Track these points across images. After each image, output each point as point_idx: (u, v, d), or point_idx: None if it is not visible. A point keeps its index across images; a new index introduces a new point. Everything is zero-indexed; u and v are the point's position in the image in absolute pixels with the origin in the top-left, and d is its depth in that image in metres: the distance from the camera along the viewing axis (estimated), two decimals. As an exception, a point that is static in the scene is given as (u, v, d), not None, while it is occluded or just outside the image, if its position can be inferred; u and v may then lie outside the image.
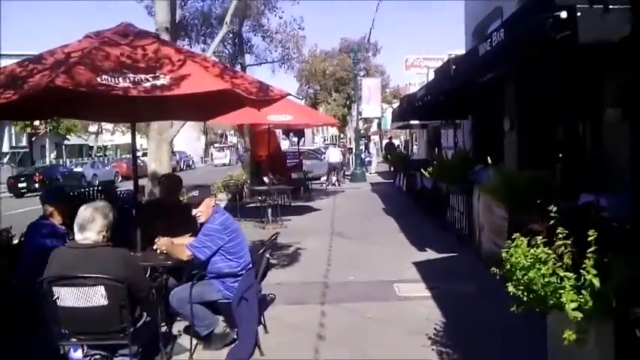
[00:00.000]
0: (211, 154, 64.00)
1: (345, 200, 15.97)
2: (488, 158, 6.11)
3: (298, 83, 33.33)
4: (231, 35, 15.39)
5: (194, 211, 4.33)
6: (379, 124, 54.38)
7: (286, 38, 17.26)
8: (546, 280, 2.94)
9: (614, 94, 5.86)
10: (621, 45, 3.91)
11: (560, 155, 7.89)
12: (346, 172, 23.83)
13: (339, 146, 27.33)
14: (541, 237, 3.18)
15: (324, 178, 18.86)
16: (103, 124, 48.63)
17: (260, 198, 11.37)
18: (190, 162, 49.17)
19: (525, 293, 3.10)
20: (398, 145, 27.78)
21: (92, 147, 49.43)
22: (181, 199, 5.52)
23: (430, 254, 8.06)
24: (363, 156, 30.56)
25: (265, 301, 4.64)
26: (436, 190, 12.88)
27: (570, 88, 7.13)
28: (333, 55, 32.76)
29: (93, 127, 49.65)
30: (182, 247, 4.28)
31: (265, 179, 14.83)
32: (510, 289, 3.21)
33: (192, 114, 6.09)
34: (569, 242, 3.06)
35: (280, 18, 16.90)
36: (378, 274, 6.93)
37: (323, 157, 27.92)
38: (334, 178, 21.45)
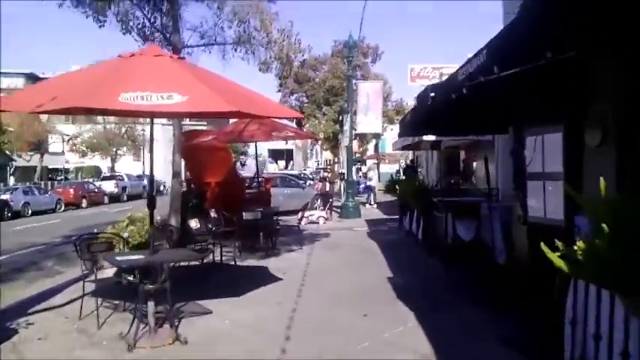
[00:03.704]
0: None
1: (327, 256, 10.03)
2: None
3: (278, 89, 27.19)
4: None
5: None
6: (376, 146, 48.76)
7: (245, 9, 11.61)
8: None
9: None
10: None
11: None
12: (333, 204, 17.91)
13: (325, 170, 21.49)
14: None
15: (300, 215, 12.93)
16: (50, 143, 42.98)
17: (131, 278, 5.39)
18: (161, 187, 43.11)
19: None
20: (419, 171, 21.65)
21: (48, 168, 43.48)
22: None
23: None
24: (361, 182, 24.66)
25: None
26: (487, 253, 7.11)
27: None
28: (323, 61, 27.09)
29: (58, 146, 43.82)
30: None
31: (192, 224, 9.01)
32: None
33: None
34: None
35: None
36: None
37: (307, 184, 22.12)
38: (317, 214, 15.55)
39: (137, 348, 4.87)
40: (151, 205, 5.30)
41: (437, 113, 7.82)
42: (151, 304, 5.13)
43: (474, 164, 17.74)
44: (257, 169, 12.20)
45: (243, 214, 10.10)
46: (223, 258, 9.20)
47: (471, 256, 8.00)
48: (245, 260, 9.50)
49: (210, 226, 9.33)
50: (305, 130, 24.89)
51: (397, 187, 12.38)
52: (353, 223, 15.33)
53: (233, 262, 9.13)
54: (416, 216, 11.35)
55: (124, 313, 5.96)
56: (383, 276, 7.90)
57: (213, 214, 11.26)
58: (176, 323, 5.56)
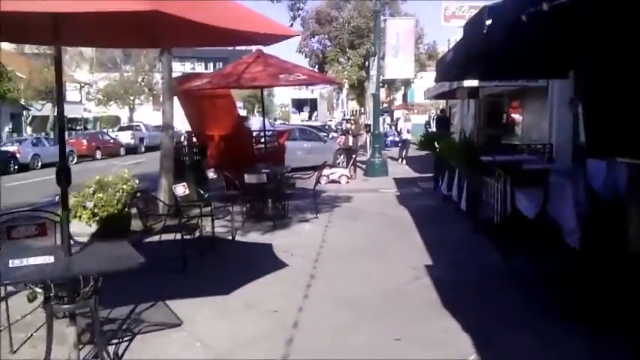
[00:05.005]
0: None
1: (347, 231, 8.13)
2: None
3: (290, 23, 24.63)
4: None
5: None
6: (404, 96, 45.76)
7: None
8: None
9: None
10: None
11: None
12: (357, 160, 15.88)
13: (348, 122, 19.36)
14: None
15: (317, 174, 10.83)
16: (65, 91, 41.39)
17: (39, 290, 3.58)
18: (182, 138, 41.55)
19: None
20: (450, 123, 19.42)
21: (64, 118, 41.99)
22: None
23: None
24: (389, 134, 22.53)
25: None
26: (558, 236, 5.19)
27: None
28: (347, -1, 24.44)
29: (76, 95, 42.28)
30: None
31: (179, 190, 7.19)
32: None
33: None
34: None
35: None
36: None
37: (330, 137, 20.15)
38: (339, 172, 13.66)
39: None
40: (64, 180, 3.42)
41: (492, 47, 5.58)
42: (71, 330, 3.37)
43: (518, 116, 15.53)
44: (263, 121, 10.20)
45: (245, 176, 8.24)
46: (222, 230, 7.50)
47: (535, 238, 6.04)
48: (247, 234, 7.74)
49: (202, 192, 7.53)
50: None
51: (436, 143, 10.26)
52: (379, 183, 13.40)
53: (231, 237, 7.39)
54: (457, 179, 9.33)
55: (63, 320, 4.25)
56: (419, 264, 6.00)
57: (212, 174, 9.48)
58: (121, 351, 3.84)
